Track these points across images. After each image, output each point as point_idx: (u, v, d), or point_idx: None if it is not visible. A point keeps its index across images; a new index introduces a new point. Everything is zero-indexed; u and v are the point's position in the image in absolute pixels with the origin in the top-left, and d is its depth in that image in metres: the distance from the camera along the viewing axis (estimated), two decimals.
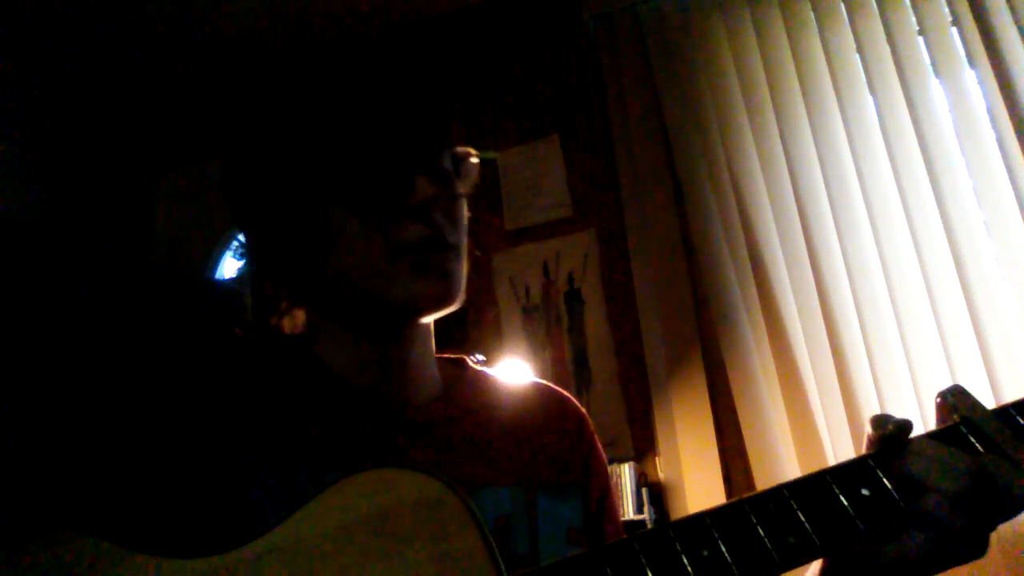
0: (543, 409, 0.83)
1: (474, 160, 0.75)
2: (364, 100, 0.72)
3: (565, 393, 0.88)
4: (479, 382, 0.83)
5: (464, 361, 0.85)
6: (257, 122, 0.77)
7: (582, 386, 2.27)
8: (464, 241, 0.74)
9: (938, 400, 0.61)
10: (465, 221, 0.74)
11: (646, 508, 2.02)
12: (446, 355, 0.85)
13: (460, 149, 0.74)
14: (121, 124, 3.06)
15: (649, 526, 1.98)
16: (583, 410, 0.87)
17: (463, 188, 0.74)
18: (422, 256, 0.68)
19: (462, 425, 0.75)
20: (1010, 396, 1.96)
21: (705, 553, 0.50)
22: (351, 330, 0.73)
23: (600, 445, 0.85)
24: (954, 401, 0.59)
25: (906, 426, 0.57)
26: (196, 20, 2.73)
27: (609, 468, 0.88)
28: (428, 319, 0.74)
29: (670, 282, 2.22)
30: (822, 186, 2.11)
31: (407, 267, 0.68)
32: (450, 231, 0.70)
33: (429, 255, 0.68)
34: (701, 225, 2.20)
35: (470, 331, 2.38)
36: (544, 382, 0.88)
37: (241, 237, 0.78)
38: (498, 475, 0.72)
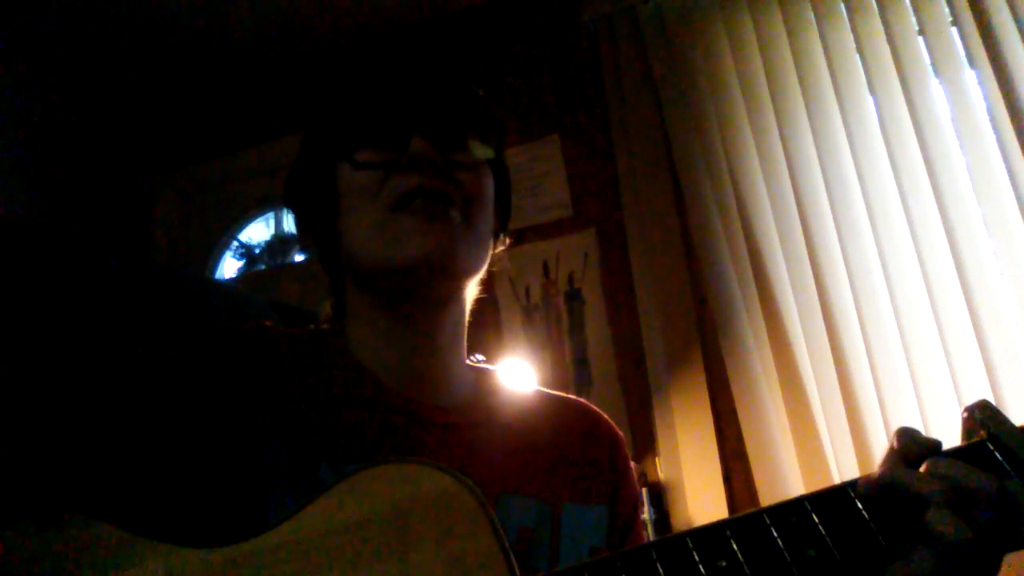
0: (576, 428, 0.82)
1: (489, 132, 0.76)
2: (372, 65, 0.76)
3: (602, 414, 0.87)
4: (512, 393, 0.82)
5: (499, 373, 0.85)
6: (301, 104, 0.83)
7: (582, 386, 2.27)
8: (478, 209, 0.73)
9: (964, 415, 0.58)
10: (481, 192, 0.74)
11: (646, 508, 2.02)
12: (479, 365, 0.85)
13: (473, 117, 0.75)
14: (121, 124, 3.05)
15: (649, 526, 1.99)
16: (619, 433, 0.85)
17: (474, 156, 0.74)
18: (414, 202, 0.68)
19: (490, 430, 0.75)
20: (1010, 395, 1.96)
21: (723, 564, 0.49)
22: (376, 309, 0.74)
23: (633, 471, 0.84)
24: (981, 416, 0.56)
25: (932, 446, 0.54)
26: (197, 19, 2.73)
27: None
28: (439, 280, 0.72)
29: (670, 282, 2.21)
30: (822, 186, 2.11)
31: (403, 216, 0.69)
32: (451, 189, 0.71)
33: (422, 201, 0.68)
34: (701, 225, 2.20)
35: (470, 331, 2.38)
36: (582, 400, 0.87)
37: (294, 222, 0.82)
38: (523, 485, 0.71)
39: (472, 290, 0.80)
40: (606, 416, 0.86)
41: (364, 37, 2.79)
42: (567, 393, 0.88)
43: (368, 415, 0.70)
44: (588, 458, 0.79)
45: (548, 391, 0.87)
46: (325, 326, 0.81)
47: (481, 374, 0.83)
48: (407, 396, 0.72)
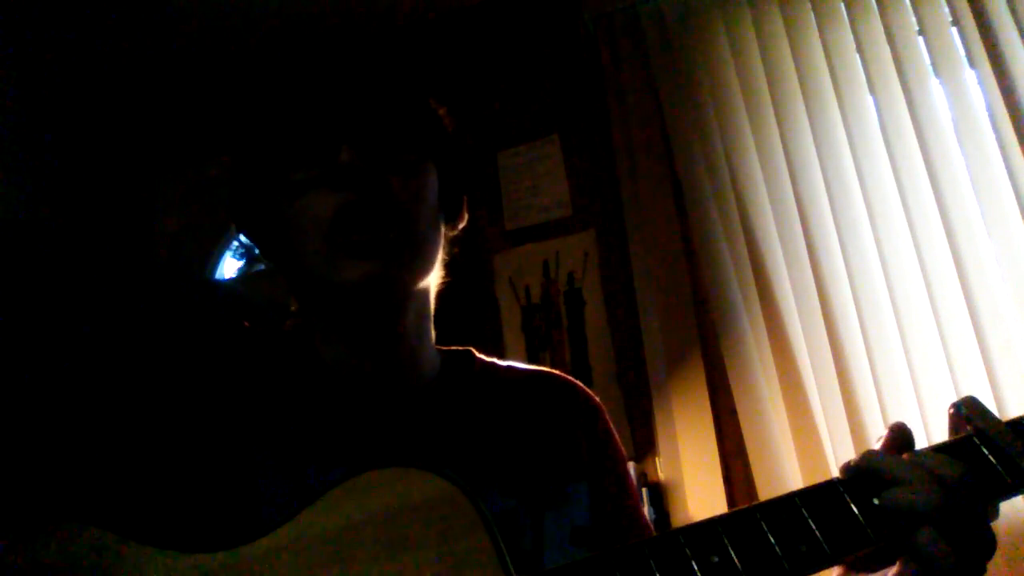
0: (553, 402, 0.81)
1: (423, 129, 0.74)
2: (295, 78, 0.74)
3: (577, 383, 0.86)
4: (485, 376, 0.82)
5: (471, 354, 0.84)
6: (235, 122, 0.80)
7: None
8: (418, 214, 0.71)
9: (951, 411, 0.59)
10: (420, 194, 0.72)
11: (646, 508, 2.02)
12: (452, 348, 0.84)
13: (403, 117, 0.73)
14: (121, 124, 3.05)
15: (650, 526, 1.99)
16: (596, 399, 0.85)
17: (409, 158, 0.72)
18: (344, 234, 0.66)
19: (464, 420, 0.75)
20: (1010, 395, 1.96)
21: (715, 559, 0.50)
22: (337, 317, 0.73)
23: (616, 435, 0.84)
24: (967, 412, 0.57)
25: (898, 431, 0.57)
26: (196, 19, 2.73)
27: None
28: (380, 300, 0.71)
29: (670, 282, 2.21)
30: (822, 186, 2.11)
31: (335, 248, 0.67)
32: (382, 203, 0.68)
33: (352, 234, 0.66)
34: (701, 225, 2.20)
35: (470, 331, 2.38)
36: (556, 372, 0.86)
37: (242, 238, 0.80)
38: (502, 470, 0.71)
39: (432, 279, 0.79)
40: (582, 385, 0.85)
41: (363, 36, 2.79)
42: (580, 383, 0.87)
43: (340, 416, 0.70)
44: (566, 434, 0.79)
45: (521, 366, 0.86)
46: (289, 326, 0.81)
47: (453, 359, 0.83)
48: (379, 393, 0.73)
